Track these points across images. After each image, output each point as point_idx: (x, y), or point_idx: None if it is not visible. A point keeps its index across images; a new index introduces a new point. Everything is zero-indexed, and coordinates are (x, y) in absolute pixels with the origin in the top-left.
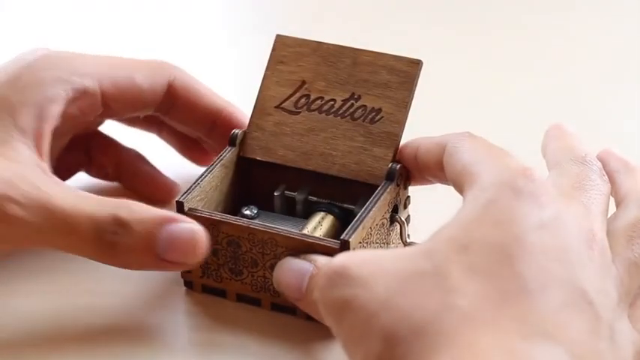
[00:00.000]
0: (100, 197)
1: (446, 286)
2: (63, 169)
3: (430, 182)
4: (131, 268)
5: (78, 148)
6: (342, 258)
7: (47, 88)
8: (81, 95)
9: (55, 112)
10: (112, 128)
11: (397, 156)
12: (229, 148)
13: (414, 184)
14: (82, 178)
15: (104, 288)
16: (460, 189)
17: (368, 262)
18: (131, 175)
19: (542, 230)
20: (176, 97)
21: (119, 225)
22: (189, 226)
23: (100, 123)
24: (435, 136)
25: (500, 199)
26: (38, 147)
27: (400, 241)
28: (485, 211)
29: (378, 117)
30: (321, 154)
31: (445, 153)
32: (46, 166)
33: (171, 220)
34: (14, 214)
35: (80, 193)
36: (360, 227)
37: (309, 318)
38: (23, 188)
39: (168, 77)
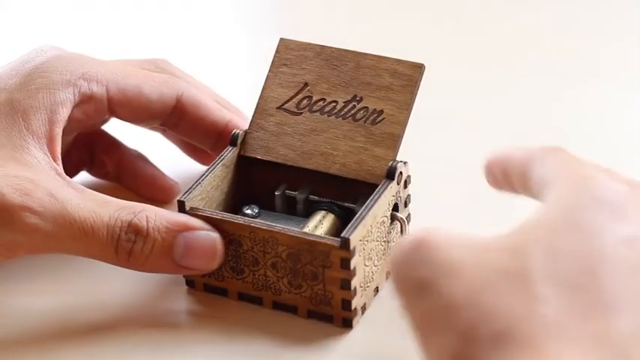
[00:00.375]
0: (116, 202)
1: (532, 292)
2: (66, 168)
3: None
4: (147, 272)
5: (81, 147)
6: (427, 233)
7: (57, 91)
8: (87, 100)
9: (63, 115)
10: (116, 126)
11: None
12: (230, 148)
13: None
14: (82, 178)
15: (106, 287)
16: (541, 194)
17: (455, 246)
18: (132, 176)
19: (628, 246)
20: (184, 112)
21: (136, 232)
22: (207, 234)
23: (105, 122)
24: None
25: (587, 208)
26: (51, 150)
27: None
28: (571, 218)
29: (380, 118)
30: (321, 154)
31: (532, 165)
32: (60, 169)
33: (188, 228)
34: (31, 223)
35: (97, 197)
36: (361, 225)
37: (310, 316)
38: (40, 197)
39: (177, 92)
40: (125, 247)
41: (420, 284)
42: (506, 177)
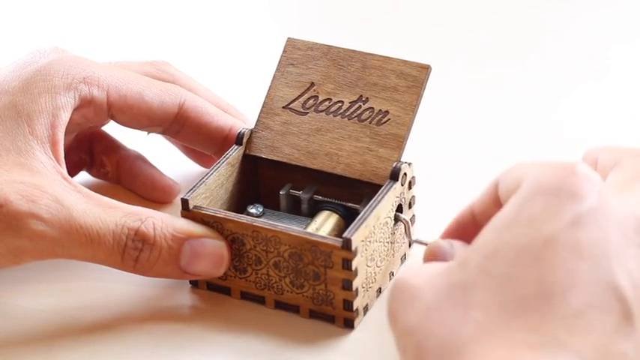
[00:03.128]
0: (122, 207)
1: (468, 299)
2: (66, 169)
3: None
4: (152, 277)
5: (81, 147)
6: (405, 271)
7: (59, 95)
8: (87, 104)
9: (65, 119)
10: (116, 126)
11: (449, 232)
12: (236, 147)
13: None
14: (82, 178)
15: (107, 286)
16: None
17: (419, 275)
18: (131, 176)
19: (576, 226)
20: (186, 120)
21: (143, 240)
22: (213, 242)
23: (105, 124)
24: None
25: (536, 197)
26: (55, 153)
27: (405, 240)
28: (519, 211)
29: (385, 119)
30: (326, 154)
31: (499, 184)
32: (65, 172)
33: (195, 236)
34: (38, 230)
35: (103, 202)
36: (363, 225)
37: (312, 316)
38: (46, 203)
39: (179, 100)
40: (132, 254)
41: (392, 315)
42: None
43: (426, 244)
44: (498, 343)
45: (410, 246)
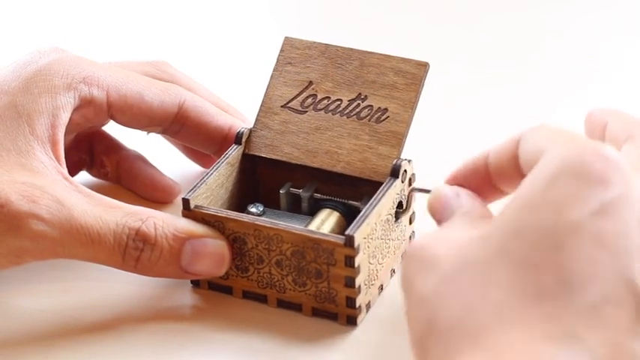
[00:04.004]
0: (123, 207)
1: (486, 279)
2: (67, 169)
3: (504, 194)
4: (153, 277)
5: (81, 147)
6: (425, 236)
7: (58, 95)
8: (87, 104)
9: (64, 119)
10: (116, 126)
11: (457, 176)
12: (235, 146)
13: (488, 201)
14: (82, 178)
15: (108, 286)
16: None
17: (441, 245)
18: (131, 176)
19: (601, 215)
20: (186, 120)
21: (144, 240)
22: (214, 242)
23: (105, 124)
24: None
25: (561, 178)
26: (55, 153)
27: (406, 238)
28: (544, 191)
29: (384, 117)
30: (326, 152)
31: (520, 144)
32: (66, 172)
33: (196, 235)
34: (39, 230)
35: (103, 201)
36: (365, 223)
37: (315, 314)
38: (47, 203)
39: (179, 100)
40: (133, 254)
41: (408, 281)
42: (499, 171)
43: (429, 192)
44: (514, 329)
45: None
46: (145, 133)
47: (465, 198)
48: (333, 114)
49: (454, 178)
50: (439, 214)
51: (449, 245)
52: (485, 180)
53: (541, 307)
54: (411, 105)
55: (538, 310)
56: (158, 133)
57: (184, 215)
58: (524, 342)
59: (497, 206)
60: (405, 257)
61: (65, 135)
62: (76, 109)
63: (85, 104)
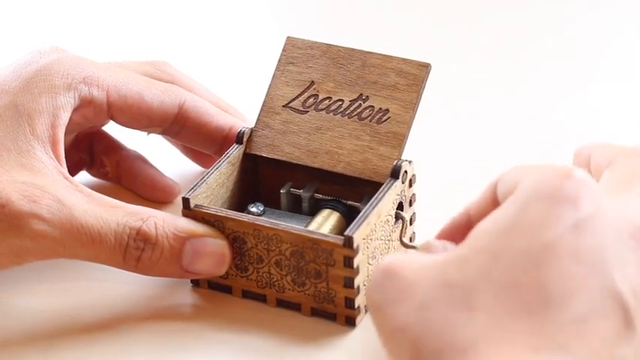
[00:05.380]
0: (124, 207)
1: (469, 301)
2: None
3: None
4: (154, 276)
5: (81, 147)
6: (391, 259)
7: (59, 95)
8: (87, 104)
9: (64, 119)
10: (116, 126)
11: (444, 233)
12: (236, 146)
13: None
14: (82, 178)
15: (108, 285)
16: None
17: (411, 269)
18: (131, 176)
19: (575, 232)
20: (186, 120)
21: (144, 240)
22: (214, 241)
23: (105, 124)
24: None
25: (534, 202)
26: (56, 153)
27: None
28: (519, 216)
29: (385, 117)
30: (327, 152)
31: (497, 186)
32: (66, 172)
33: (196, 235)
34: (39, 230)
35: (104, 201)
36: (365, 223)
37: (314, 314)
38: (48, 203)
39: (179, 100)
40: (133, 254)
41: (380, 306)
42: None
43: (415, 248)
44: (501, 347)
45: (403, 245)
46: (145, 133)
47: (451, 250)
48: (334, 114)
49: (442, 235)
50: None
51: (421, 270)
52: (470, 230)
53: (525, 323)
54: (412, 106)
55: (522, 326)
56: (158, 133)
57: (184, 214)
58: (512, 354)
59: None
60: (370, 285)
61: (65, 135)
62: (75, 109)
63: (85, 104)
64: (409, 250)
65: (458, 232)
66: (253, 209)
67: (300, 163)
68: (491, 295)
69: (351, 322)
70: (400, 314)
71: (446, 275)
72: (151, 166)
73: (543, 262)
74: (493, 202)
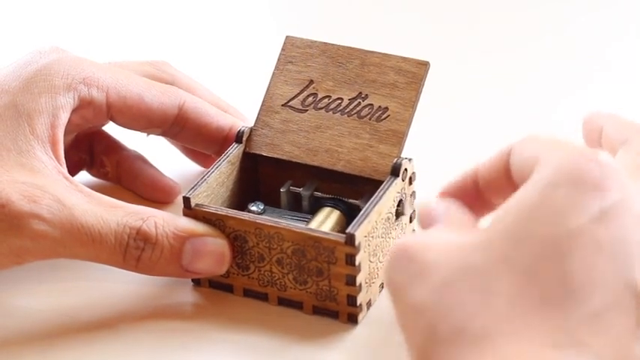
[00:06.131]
0: (124, 206)
1: (489, 286)
2: (66, 169)
3: (494, 207)
4: (154, 276)
5: (81, 147)
6: (409, 239)
7: (58, 95)
8: (86, 105)
9: (64, 119)
10: (116, 126)
11: (448, 191)
12: (236, 145)
13: (479, 215)
14: (82, 178)
15: (109, 285)
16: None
17: (432, 249)
18: (131, 176)
19: (600, 222)
20: (186, 121)
21: (144, 240)
22: (214, 240)
23: (104, 124)
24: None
25: (559, 187)
26: (55, 153)
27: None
28: (543, 200)
29: (385, 115)
30: (326, 151)
31: (511, 156)
32: (66, 172)
33: (196, 234)
34: (40, 230)
35: (104, 201)
36: (366, 221)
37: (316, 312)
38: (48, 203)
39: (179, 102)
40: (134, 253)
41: (399, 286)
42: (490, 184)
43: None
44: (519, 337)
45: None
46: (145, 135)
47: (454, 209)
48: (333, 113)
49: (445, 192)
50: (428, 223)
51: (441, 250)
52: (476, 194)
53: (545, 315)
54: (412, 104)
55: (542, 318)
56: (158, 135)
57: (185, 214)
58: (530, 350)
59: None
60: (389, 265)
61: (65, 135)
62: (75, 110)
63: (84, 105)
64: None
65: (463, 193)
66: (254, 208)
67: (299, 161)
68: (512, 282)
69: (353, 320)
70: (419, 294)
71: (467, 258)
72: (151, 166)
73: (565, 251)
74: (505, 172)
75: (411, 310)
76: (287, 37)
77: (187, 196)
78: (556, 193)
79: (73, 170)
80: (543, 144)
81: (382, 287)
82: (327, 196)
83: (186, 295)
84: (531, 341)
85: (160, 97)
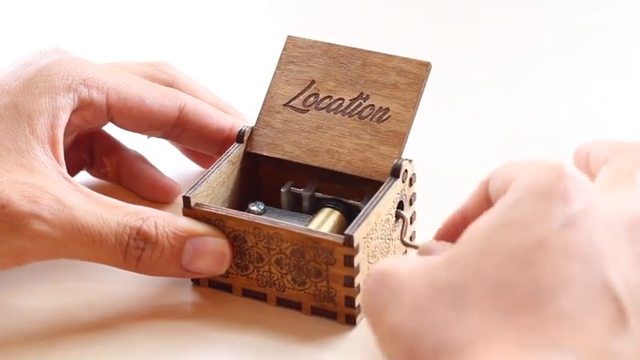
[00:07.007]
0: (124, 206)
1: (462, 302)
2: (66, 168)
3: None
4: (154, 276)
5: (81, 147)
6: (383, 264)
7: (58, 96)
8: (86, 106)
9: (64, 120)
10: (115, 127)
11: (440, 233)
12: (236, 145)
13: None
14: (82, 178)
15: (109, 285)
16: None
17: (404, 271)
18: (131, 176)
19: (567, 228)
20: (187, 123)
21: (145, 240)
22: (214, 240)
23: (104, 124)
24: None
25: (526, 200)
26: (55, 154)
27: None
28: (510, 214)
29: (386, 116)
30: (327, 151)
31: (489, 184)
32: (66, 172)
33: (196, 234)
34: (40, 230)
35: (104, 201)
36: (365, 222)
37: (314, 313)
38: (48, 204)
39: (179, 104)
40: (134, 253)
41: (376, 310)
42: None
43: (417, 248)
44: (495, 345)
45: (404, 244)
46: (146, 137)
47: (449, 246)
48: (334, 113)
49: (439, 236)
50: None
51: (413, 272)
52: (464, 227)
53: (519, 322)
54: (413, 105)
55: (514, 324)
56: (159, 137)
57: (185, 213)
58: (506, 355)
59: None
60: (365, 291)
61: (65, 136)
62: (75, 111)
63: (84, 106)
64: (409, 250)
65: (455, 231)
66: (254, 208)
67: (300, 162)
68: (484, 293)
69: (351, 321)
70: (393, 317)
71: (436, 276)
72: (152, 166)
73: (534, 259)
74: (486, 200)
75: (387, 335)
76: (289, 36)
77: (187, 195)
78: (523, 206)
79: (73, 170)
80: (517, 167)
81: None
82: (328, 196)
83: (185, 294)
84: (506, 345)
85: (160, 99)
